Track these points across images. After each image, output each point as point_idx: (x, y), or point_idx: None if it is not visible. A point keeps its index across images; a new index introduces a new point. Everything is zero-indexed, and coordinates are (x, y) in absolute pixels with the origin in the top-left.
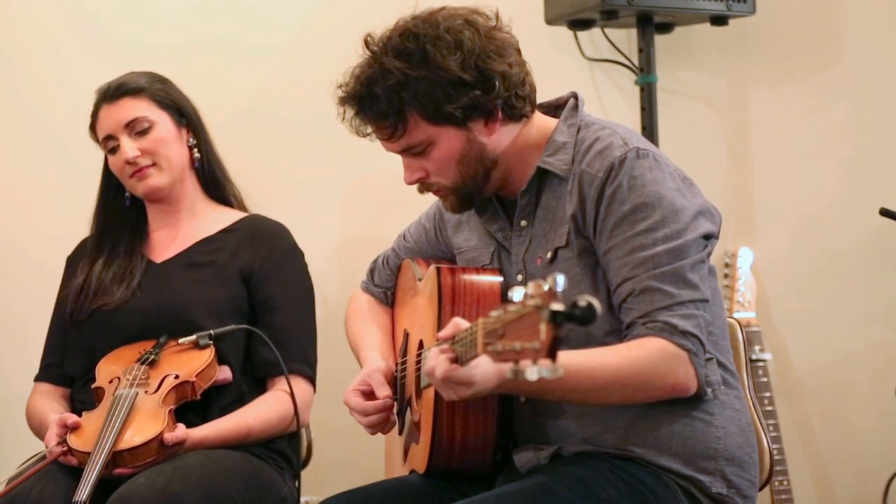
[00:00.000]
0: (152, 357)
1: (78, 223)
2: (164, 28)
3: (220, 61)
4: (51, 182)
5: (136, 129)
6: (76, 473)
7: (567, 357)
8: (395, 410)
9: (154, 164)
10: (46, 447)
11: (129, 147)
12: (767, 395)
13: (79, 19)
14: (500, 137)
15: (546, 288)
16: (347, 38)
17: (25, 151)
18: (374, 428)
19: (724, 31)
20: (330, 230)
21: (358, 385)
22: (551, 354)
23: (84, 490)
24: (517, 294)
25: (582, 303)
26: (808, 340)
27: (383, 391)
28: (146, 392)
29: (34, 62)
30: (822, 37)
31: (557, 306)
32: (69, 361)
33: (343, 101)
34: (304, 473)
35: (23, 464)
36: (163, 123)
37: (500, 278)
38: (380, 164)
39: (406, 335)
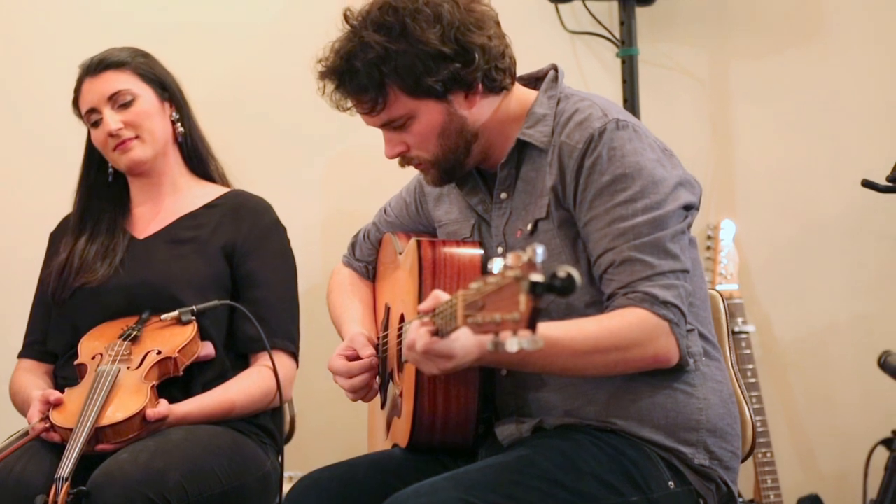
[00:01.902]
0: (135, 333)
1: (60, 200)
2: (145, 7)
3: (203, 39)
4: (32, 158)
5: (119, 101)
6: (59, 450)
7: (547, 328)
8: (377, 384)
9: (137, 137)
10: (29, 423)
11: (112, 119)
12: (750, 367)
13: None
14: (481, 110)
15: (525, 259)
16: (328, 14)
17: (4, 126)
18: (358, 392)
19: (705, 3)
20: (312, 205)
21: (342, 351)
22: (531, 325)
23: (66, 466)
24: (496, 265)
25: (561, 273)
26: (791, 312)
27: (367, 351)
28: (128, 368)
29: (14, 39)
30: (802, 7)
31: (537, 277)
32: (52, 338)
33: (323, 75)
34: (288, 448)
35: (5, 440)
36: (146, 96)
37: (481, 251)
38: (361, 138)
39: (387, 309)
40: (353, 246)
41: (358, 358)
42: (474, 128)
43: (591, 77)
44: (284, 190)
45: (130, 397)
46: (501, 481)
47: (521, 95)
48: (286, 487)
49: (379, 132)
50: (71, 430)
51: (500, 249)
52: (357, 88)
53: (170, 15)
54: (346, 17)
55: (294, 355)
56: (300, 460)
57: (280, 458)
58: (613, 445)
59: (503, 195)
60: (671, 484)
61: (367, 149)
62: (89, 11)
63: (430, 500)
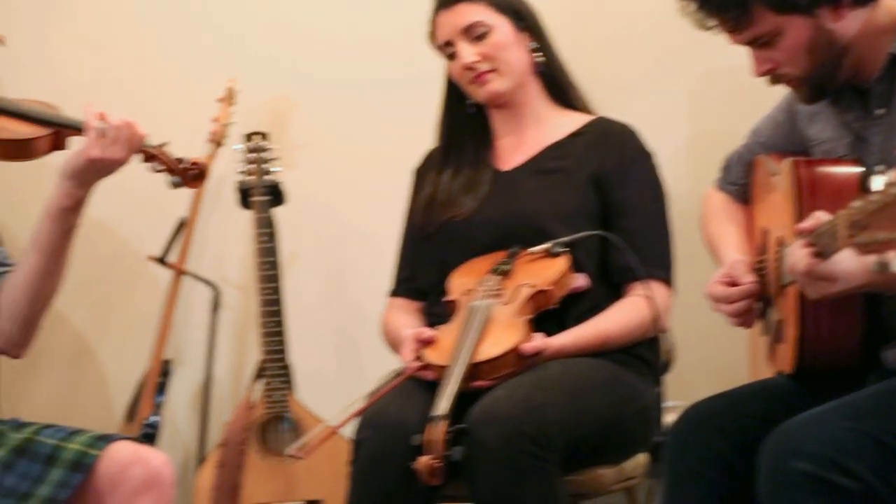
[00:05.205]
0: (506, 267)
1: (422, 134)
2: None
3: None
4: (391, 93)
5: (474, 33)
6: (432, 388)
7: None
8: (758, 309)
9: (494, 70)
10: (403, 362)
11: (467, 52)
12: None
13: None
14: (849, 23)
15: None
16: None
17: (367, 63)
18: (739, 317)
19: None
20: (678, 129)
21: (720, 277)
22: None
23: (443, 404)
24: (877, 183)
25: None
26: None
27: (747, 278)
28: (501, 303)
29: None
30: None
31: None
32: (421, 275)
33: None
34: (667, 379)
35: (380, 380)
36: (501, 28)
37: (860, 169)
38: (726, 58)
39: (764, 233)
40: (725, 169)
41: (737, 284)
42: (843, 42)
43: None
44: (649, 114)
45: (505, 332)
46: (894, 409)
47: (891, 7)
48: (666, 418)
49: (744, 50)
50: (445, 367)
51: (879, 168)
52: (720, 6)
53: None
54: None
55: (669, 283)
56: (679, 391)
57: (659, 389)
58: None
59: (880, 111)
60: None
61: (732, 68)
62: None
63: (819, 430)
